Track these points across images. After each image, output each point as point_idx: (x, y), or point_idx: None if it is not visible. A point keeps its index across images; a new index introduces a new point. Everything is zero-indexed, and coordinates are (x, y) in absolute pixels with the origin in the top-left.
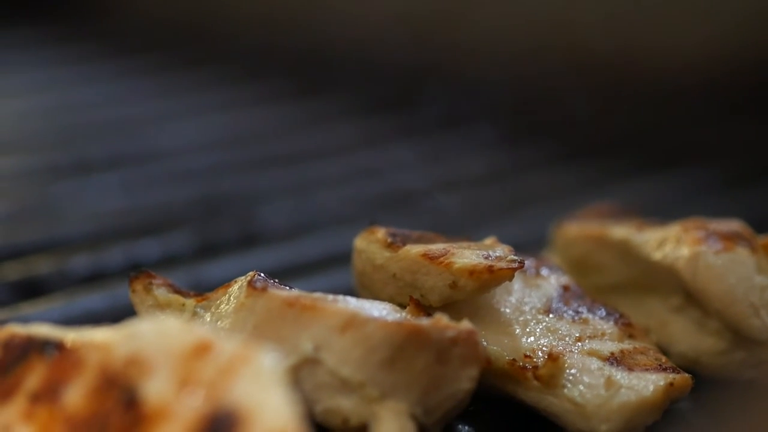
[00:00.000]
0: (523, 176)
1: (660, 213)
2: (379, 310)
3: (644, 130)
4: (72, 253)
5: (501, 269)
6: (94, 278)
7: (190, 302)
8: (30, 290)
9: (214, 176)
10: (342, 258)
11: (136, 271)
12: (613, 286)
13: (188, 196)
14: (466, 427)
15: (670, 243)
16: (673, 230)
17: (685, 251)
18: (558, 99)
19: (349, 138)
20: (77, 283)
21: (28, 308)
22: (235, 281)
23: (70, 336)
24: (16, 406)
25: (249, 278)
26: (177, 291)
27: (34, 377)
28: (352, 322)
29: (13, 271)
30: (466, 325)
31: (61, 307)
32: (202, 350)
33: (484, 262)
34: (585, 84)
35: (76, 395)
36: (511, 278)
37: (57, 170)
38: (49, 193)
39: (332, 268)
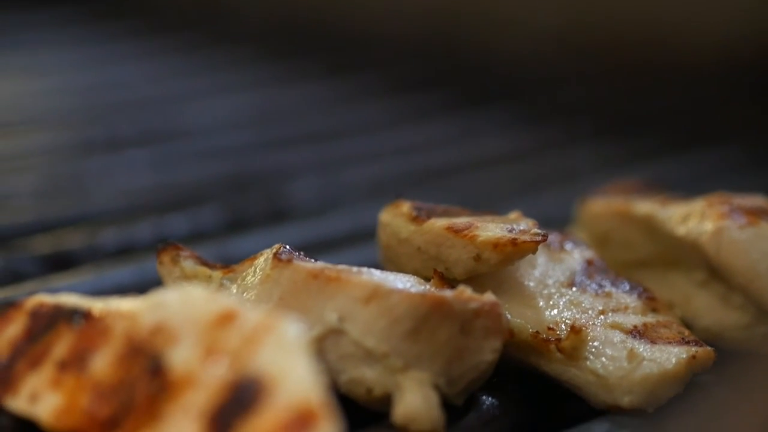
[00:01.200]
0: (547, 155)
1: (684, 190)
2: (403, 282)
3: (669, 110)
4: (102, 228)
5: (525, 242)
6: (123, 252)
7: (217, 274)
8: (60, 263)
9: (243, 153)
10: (368, 234)
11: (163, 243)
12: (637, 261)
13: (217, 172)
14: (489, 399)
15: (694, 218)
16: (697, 205)
17: (709, 226)
18: (583, 79)
19: (376, 117)
20: (106, 256)
21: (57, 281)
22: (261, 253)
23: (97, 305)
24: (44, 374)
25: (274, 250)
26: (204, 263)
27: (62, 345)
28: (377, 294)
29: (44, 245)
30: (489, 297)
31: (90, 280)
32: (226, 319)
33: (508, 235)
34: (610, 64)
35: (102, 363)
36: (534, 251)
37: (88, 147)
38: (80, 169)
39: (358, 244)
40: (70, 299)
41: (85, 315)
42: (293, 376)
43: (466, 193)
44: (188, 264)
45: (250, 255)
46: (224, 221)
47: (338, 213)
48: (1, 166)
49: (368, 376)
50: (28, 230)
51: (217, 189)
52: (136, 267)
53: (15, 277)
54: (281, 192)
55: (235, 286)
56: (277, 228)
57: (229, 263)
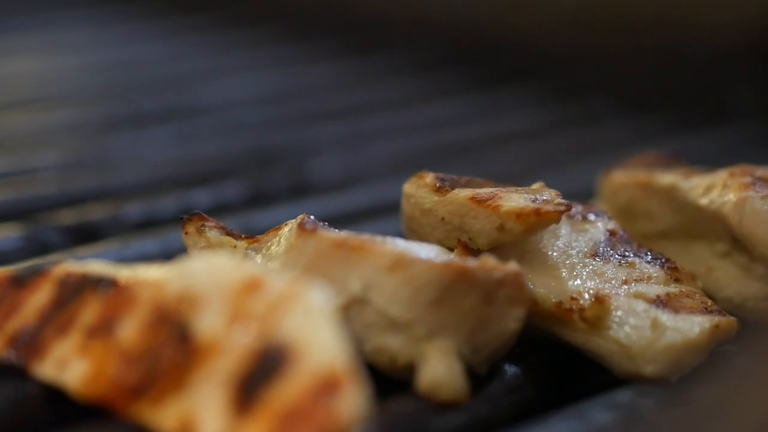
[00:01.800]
0: (568, 132)
1: (705, 165)
2: (426, 251)
3: (687, 86)
4: (126, 201)
5: (548, 212)
6: (147, 225)
7: (242, 244)
8: (85, 235)
9: (265, 130)
10: (389, 206)
11: (189, 214)
12: (660, 232)
13: (239, 148)
14: (513, 368)
15: (717, 188)
16: (720, 176)
17: (731, 196)
18: (601, 57)
19: (395, 95)
20: (131, 229)
21: (83, 252)
22: (285, 224)
23: (124, 273)
24: (72, 341)
25: (299, 220)
26: (229, 233)
27: (89, 313)
28: (400, 263)
29: (69, 217)
30: (512, 266)
31: (115, 251)
32: (252, 287)
33: (532, 205)
34: (628, 42)
35: (129, 330)
36: (557, 221)
37: (112, 123)
38: (103, 144)
39: (380, 216)
40: (98, 267)
41: (113, 282)
42: (319, 342)
43: (487, 169)
44: (213, 234)
45: (273, 227)
46: (247, 195)
47: (359, 187)
48: (26, 141)
49: (392, 345)
50: (53, 203)
51: (239, 164)
52: (160, 239)
53: (41, 248)
54: (303, 167)
55: (259, 256)
56: (299, 201)
57: (252, 235)
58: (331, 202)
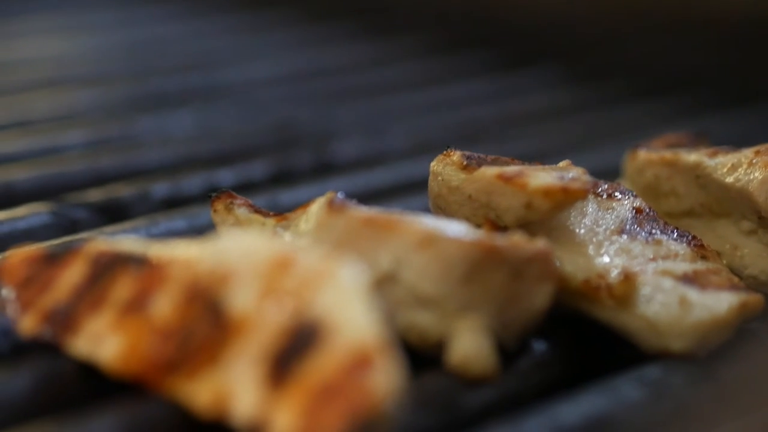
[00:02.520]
0: (591, 112)
1: (730, 144)
2: (456, 228)
3: (712, 67)
4: (152, 180)
5: (575, 189)
6: (173, 203)
7: (270, 221)
8: (113, 214)
9: (287, 109)
10: (414, 185)
11: (217, 192)
12: (684, 210)
13: (262, 127)
14: (541, 344)
15: (743, 167)
16: (746, 155)
17: (757, 174)
18: (625, 38)
19: (418, 75)
20: (158, 207)
21: (111, 230)
22: (313, 201)
23: (157, 249)
24: (105, 318)
25: (328, 198)
26: (257, 211)
27: (122, 289)
28: (430, 240)
29: (97, 196)
30: (541, 243)
31: (142, 230)
32: (285, 263)
33: (559, 182)
34: (651, 22)
35: (162, 307)
36: (584, 198)
37: (135, 102)
38: (128, 123)
39: (405, 195)
40: (130, 244)
41: (145, 259)
42: (352, 318)
43: (509, 149)
44: (242, 212)
45: (298, 205)
46: (271, 174)
47: (382, 166)
48: (52, 121)
49: (422, 322)
50: (81, 182)
51: (262, 143)
52: (187, 216)
53: (70, 226)
54: (327, 146)
55: (287, 233)
56: (324, 180)
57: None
58: (354, 180)
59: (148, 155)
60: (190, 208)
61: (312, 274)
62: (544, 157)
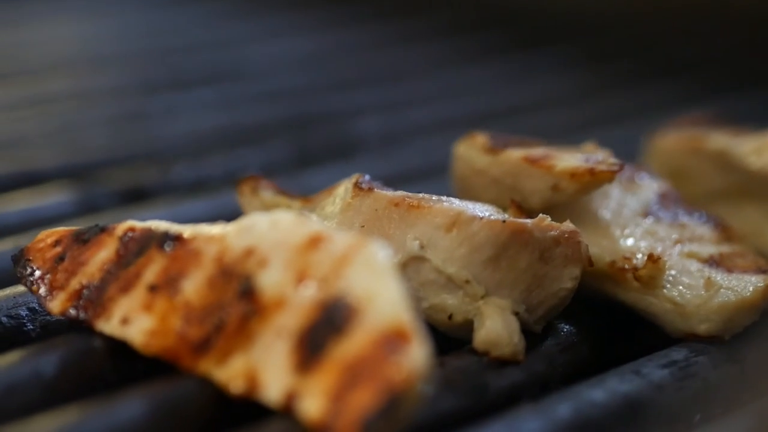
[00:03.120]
0: (606, 94)
1: (750, 124)
2: (483, 210)
3: (725, 49)
4: (172, 163)
5: (602, 171)
6: (196, 185)
7: (296, 204)
8: (134, 196)
9: (306, 93)
10: (434, 168)
11: (240, 175)
12: (708, 193)
13: (281, 110)
14: (567, 326)
15: (767, 149)
16: None
17: None
18: (639, 19)
19: (432, 58)
20: (180, 189)
21: (133, 213)
22: (339, 184)
23: (188, 230)
24: (136, 297)
25: (354, 180)
26: (283, 193)
27: (153, 269)
28: (458, 221)
29: (118, 179)
30: (568, 225)
31: (165, 212)
32: (316, 243)
33: (585, 164)
34: (667, 3)
35: (194, 286)
36: (611, 180)
37: (153, 86)
38: (147, 107)
39: (426, 178)
40: (161, 224)
41: (176, 239)
42: (383, 297)
43: (531, 131)
44: (268, 194)
45: (321, 189)
46: (292, 157)
47: (404, 149)
48: (73, 103)
49: (449, 303)
50: (101, 165)
51: (282, 127)
52: (210, 199)
53: (91, 209)
54: (346, 130)
55: (314, 215)
56: (345, 163)
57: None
58: (375, 163)
59: (167, 138)
60: (212, 191)
61: (343, 254)
62: (562, 138)
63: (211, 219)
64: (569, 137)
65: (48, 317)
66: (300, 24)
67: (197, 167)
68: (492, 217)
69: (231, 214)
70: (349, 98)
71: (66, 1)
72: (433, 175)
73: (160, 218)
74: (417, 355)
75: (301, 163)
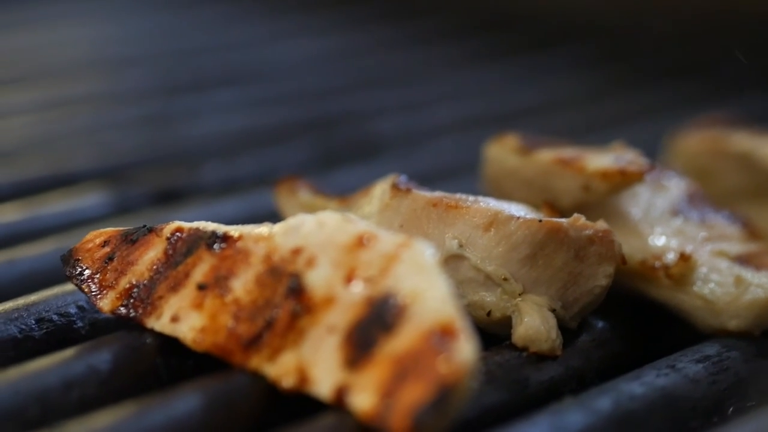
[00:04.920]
0: (622, 93)
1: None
2: (519, 210)
3: (744, 50)
4: (201, 164)
5: (633, 171)
6: (226, 186)
7: (332, 204)
8: (166, 197)
9: (327, 93)
10: (457, 168)
11: (270, 176)
12: (732, 193)
13: (305, 111)
14: (601, 323)
15: None
16: None
17: None
18: (649, 19)
19: (445, 59)
20: (210, 190)
21: (166, 213)
22: (374, 184)
23: (236, 230)
24: (186, 296)
25: (391, 181)
26: (320, 193)
27: (202, 268)
28: (496, 221)
29: (150, 180)
30: (602, 224)
31: (199, 212)
32: (363, 241)
33: (616, 164)
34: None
35: (243, 284)
36: (641, 180)
37: (175, 88)
38: (171, 108)
39: (450, 177)
40: (208, 225)
41: (224, 239)
42: (431, 294)
43: (547, 131)
44: (305, 194)
45: (347, 189)
46: (316, 157)
47: (425, 149)
48: (95, 105)
49: (488, 300)
50: (132, 166)
51: (304, 127)
52: (241, 200)
53: (126, 210)
54: (367, 130)
55: (351, 215)
56: (369, 163)
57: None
58: (399, 163)
59: (194, 137)
60: (243, 190)
61: (390, 252)
62: (577, 138)
63: (245, 219)
64: (585, 137)
65: (96, 315)
66: (315, 26)
67: (226, 168)
68: (528, 216)
69: (264, 214)
70: (368, 99)
71: (85, 4)
72: (455, 174)
73: (195, 218)
74: (466, 349)
75: (325, 164)
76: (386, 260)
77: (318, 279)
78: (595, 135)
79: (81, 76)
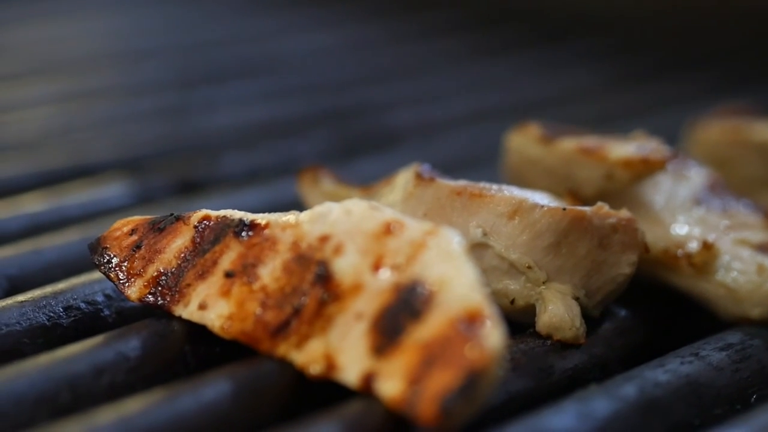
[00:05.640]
0: (636, 85)
1: None
2: (542, 198)
3: (759, 40)
4: (220, 155)
5: (655, 160)
6: (246, 177)
7: (355, 193)
8: (186, 187)
9: (342, 85)
10: (475, 158)
11: (290, 166)
12: (751, 182)
13: (321, 102)
14: (624, 311)
15: None
16: None
17: None
18: (670, 9)
19: (455, 51)
20: (230, 181)
21: (188, 203)
22: (397, 173)
23: (263, 218)
24: (214, 283)
25: (415, 169)
26: (342, 183)
27: (230, 256)
28: (520, 209)
29: (170, 170)
30: (625, 213)
31: (221, 202)
32: (390, 229)
33: (639, 153)
34: None
35: (271, 271)
36: (663, 169)
37: (191, 80)
38: (189, 99)
39: (468, 167)
40: (235, 213)
41: (252, 227)
42: (459, 281)
43: (564, 122)
44: (328, 183)
45: (366, 179)
46: (335, 148)
47: (441, 139)
48: (113, 97)
49: (511, 288)
50: (152, 156)
51: (321, 119)
52: (261, 190)
53: (148, 200)
54: (384, 121)
55: (376, 203)
56: (387, 154)
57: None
58: (416, 153)
59: (212, 128)
60: (263, 180)
61: (417, 240)
62: (594, 129)
63: (267, 208)
64: (601, 128)
65: (123, 303)
66: (329, 18)
67: (245, 159)
68: (552, 205)
69: (286, 203)
70: (383, 90)
71: None
72: (473, 164)
73: (218, 208)
74: (494, 335)
75: (344, 154)
76: (414, 248)
77: (345, 266)
78: (611, 126)
79: (98, 68)
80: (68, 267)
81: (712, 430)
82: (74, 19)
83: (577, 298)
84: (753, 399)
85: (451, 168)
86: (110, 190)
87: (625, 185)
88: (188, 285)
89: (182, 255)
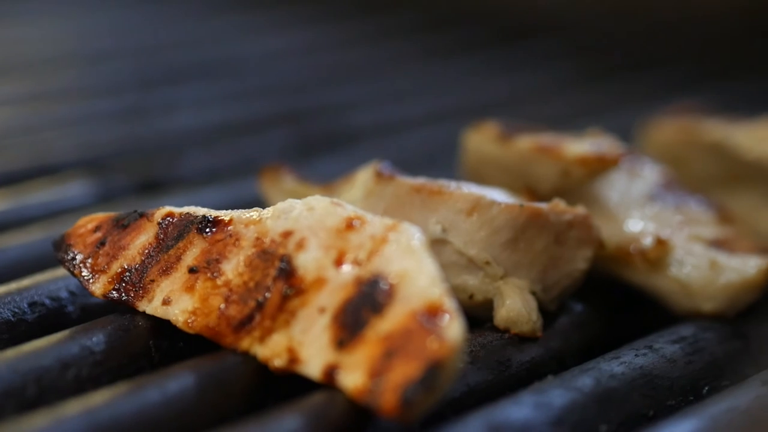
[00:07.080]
0: (593, 84)
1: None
2: (500, 195)
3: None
4: (181, 155)
5: (610, 157)
6: (206, 177)
7: (316, 191)
8: (150, 187)
9: (301, 86)
10: (432, 158)
11: (251, 165)
12: (704, 179)
13: (279, 103)
14: (580, 306)
15: (759, 136)
16: (763, 125)
17: None
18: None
19: (415, 51)
20: (191, 181)
21: (149, 202)
22: (357, 172)
23: (226, 214)
24: (178, 279)
25: (375, 167)
26: (303, 181)
27: (193, 252)
28: (478, 206)
29: (131, 170)
30: (581, 209)
31: (182, 201)
32: (353, 224)
33: (594, 150)
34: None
35: (234, 267)
36: (618, 165)
37: (152, 81)
38: (148, 100)
39: (425, 166)
40: (198, 210)
41: (215, 223)
42: (420, 274)
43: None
44: (289, 181)
45: (327, 177)
46: (293, 149)
47: (399, 139)
48: (72, 98)
49: (470, 283)
50: (112, 156)
51: (280, 120)
52: (222, 189)
53: (110, 199)
54: (342, 122)
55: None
56: (345, 154)
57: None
58: (374, 153)
59: (172, 129)
60: (224, 180)
61: (379, 235)
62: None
63: (228, 206)
64: (556, 127)
65: (87, 299)
66: (285, 20)
67: (205, 158)
68: (510, 201)
69: (247, 202)
70: (341, 92)
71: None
72: (431, 163)
73: (179, 206)
74: (453, 328)
75: (303, 153)
76: (375, 243)
77: (308, 261)
78: (567, 125)
79: (59, 69)
80: (32, 264)
81: (666, 420)
82: (34, 21)
83: (534, 293)
84: (705, 390)
85: (409, 166)
86: (72, 189)
87: (580, 182)
88: (152, 281)
89: (146, 251)
